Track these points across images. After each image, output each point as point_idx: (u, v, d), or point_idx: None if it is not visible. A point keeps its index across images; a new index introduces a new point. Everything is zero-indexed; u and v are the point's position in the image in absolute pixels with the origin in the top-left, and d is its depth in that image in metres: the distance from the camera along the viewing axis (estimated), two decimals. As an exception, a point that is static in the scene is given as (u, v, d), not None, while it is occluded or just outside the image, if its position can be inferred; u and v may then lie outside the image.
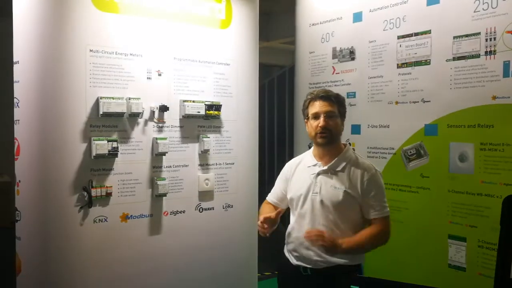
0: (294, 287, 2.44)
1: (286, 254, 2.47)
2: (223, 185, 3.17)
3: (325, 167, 2.36)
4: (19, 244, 2.68)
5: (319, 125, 2.31)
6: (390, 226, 2.39)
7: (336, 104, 2.37)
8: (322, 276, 2.32)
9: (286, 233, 2.49)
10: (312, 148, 2.49)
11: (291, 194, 2.45)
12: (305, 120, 2.45)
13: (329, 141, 2.34)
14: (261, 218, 2.35)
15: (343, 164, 2.36)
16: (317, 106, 2.35)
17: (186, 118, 2.96)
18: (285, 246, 2.48)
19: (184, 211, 3.00)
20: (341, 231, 2.31)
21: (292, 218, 2.47)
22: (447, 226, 2.84)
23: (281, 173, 2.60)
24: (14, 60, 2.65)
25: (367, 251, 2.40)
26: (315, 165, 2.40)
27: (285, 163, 2.68)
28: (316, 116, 2.34)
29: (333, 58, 3.55)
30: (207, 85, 3.08)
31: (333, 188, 2.31)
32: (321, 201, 2.31)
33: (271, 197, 2.60)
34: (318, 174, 2.36)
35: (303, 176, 2.42)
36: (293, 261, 2.39)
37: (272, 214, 2.33)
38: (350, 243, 2.26)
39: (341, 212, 2.30)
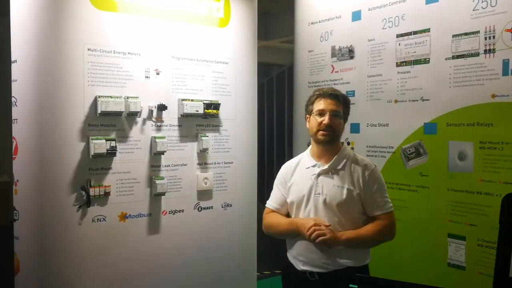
0: None
1: (290, 259, 2.37)
2: (222, 184, 3.17)
3: (326, 167, 2.31)
4: (17, 244, 2.68)
5: (324, 122, 2.27)
6: (395, 221, 2.36)
7: (343, 104, 2.34)
8: (330, 281, 2.24)
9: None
10: (310, 148, 2.44)
11: (291, 197, 2.37)
12: (307, 116, 2.40)
13: (330, 140, 2.31)
14: (311, 224, 2.20)
15: (343, 162, 2.32)
16: (324, 104, 2.30)
17: (185, 117, 2.96)
18: (288, 251, 2.42)
19: (182, 210, 3.00)
20: (344, 229, 2.26)
21: None
22: (446, 225, 2.83)
23: (278, 177, 2.50)
24: (12, 59, 2.65)
25: (372, 245, 2.36)
26: (314, 165, 2.35)
27: (284, 162, 2.64)
28: (321, 113, 2.29)
29: (332, 56, 3.54)
30: (206, 84, 3.07)
31: (335, 187, 2.28)
32: (324, 201, 2.26)
33: (272, 203, 2.47)
34: (319, 174, 2.31)
35: (303, 177, 2.36)
36: (299, 266, 2.31)
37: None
38: (351, 235, 2.23)
39: (344, 210, 2.26)
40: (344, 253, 2.25)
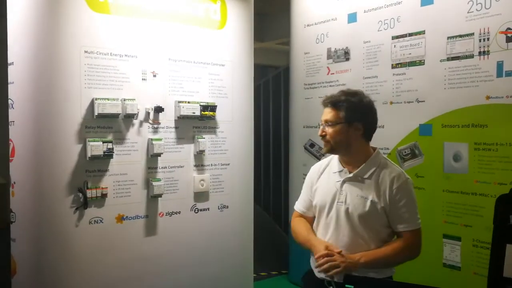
0: None
1: (312, 265, 2.24)
2: (219, 185, 3.17)
3: (351, 174, 2.15)
4: (14, 246, 2.68)
5: (318, 134, 2.18)
6: (421, 238, 2.16)
7: (344, 110, 2.11)
8: None
9: None
10: None
11: (315, 201, 2.25)
12: None
13: (330, 150, 2.16)
14: (322, 253, 2.06)
15: (371, 170, 2.14)
16: (323, 114, 2.17)
17: (181, 119, 2.97)
18: (312, 256, 2.25)
19: (179, 212, 3.00)
20: (366, 241, 2.13)
21: (318, 227, 2.27)
22: (442, 226, 2.85)
23: (307, 178, 2.35)
24: (9, 61, 2.65)
25: (394, 265, 2.20)
26: (340, 171, 2.20)
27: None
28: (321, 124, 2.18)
29: (328, 58, 3.56)
30: (202, 86, 3.08)
31: (359, 198, 2.12)
32: (346, 211, 2.12)
33: (299, 206, 2.34)
34: (344, 181, 2.16)
35: (328, 183, 2.22)
36: (317, 273, 2.16)
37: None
38: (370, 257, 2.08)
39: (367, 222, 2.11)
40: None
